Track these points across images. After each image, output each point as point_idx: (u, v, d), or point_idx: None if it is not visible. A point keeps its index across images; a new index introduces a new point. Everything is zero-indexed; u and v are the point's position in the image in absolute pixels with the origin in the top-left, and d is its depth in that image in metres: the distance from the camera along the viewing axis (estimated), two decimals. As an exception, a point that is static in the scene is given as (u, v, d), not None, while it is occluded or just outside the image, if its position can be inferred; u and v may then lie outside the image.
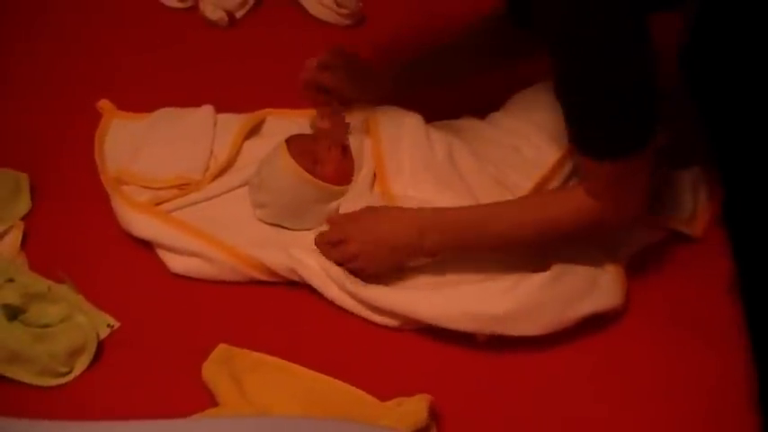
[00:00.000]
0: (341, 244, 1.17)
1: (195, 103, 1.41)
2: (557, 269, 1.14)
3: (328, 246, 1.18)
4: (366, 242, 1.16)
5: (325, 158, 1.24)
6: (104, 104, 1.40)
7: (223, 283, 1.21)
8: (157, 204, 1.26)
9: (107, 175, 1.31)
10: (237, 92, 1.43)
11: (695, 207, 1.23)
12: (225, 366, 1.09)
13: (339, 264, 1.17)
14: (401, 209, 1.19)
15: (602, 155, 1.06)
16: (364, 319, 1.16)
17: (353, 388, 1.08)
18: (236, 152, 1.32)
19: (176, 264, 1.21)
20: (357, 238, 1.16)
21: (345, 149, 1.25)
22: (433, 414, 1.05)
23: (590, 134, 1.07)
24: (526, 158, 1.23)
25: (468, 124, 1.30)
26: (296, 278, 1.18)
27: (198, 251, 1.20)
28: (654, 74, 1.04)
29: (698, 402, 1.09)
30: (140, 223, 1.23)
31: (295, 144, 1.25)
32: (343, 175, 1.24)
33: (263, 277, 1.19)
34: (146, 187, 1.28)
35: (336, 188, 1.24)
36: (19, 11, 1.58)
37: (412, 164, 1.23)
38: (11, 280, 1.15)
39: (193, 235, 1.21)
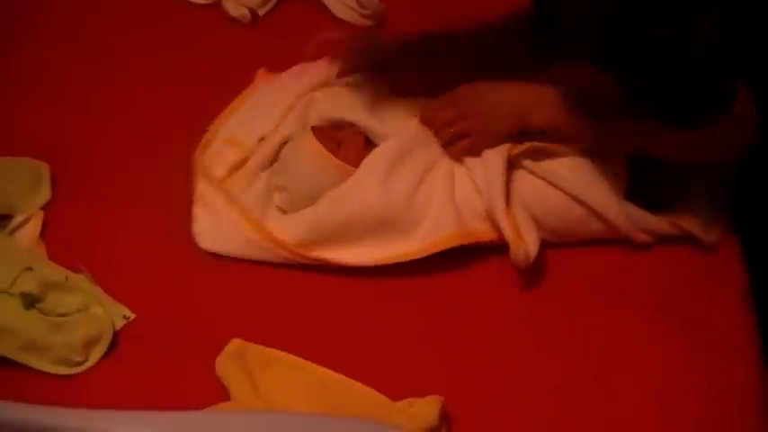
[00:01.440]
0: (453, 104, 1.20)
1: (215, 99, 1.42)
2: None
3: (441, 124, 1.21)
4: (478, 100, 1.20)
5: (349, 143, 1.25)
6: (261, 73, 1.42)
7: (238, 277, 1.21)
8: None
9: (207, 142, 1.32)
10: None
11: (712, 215, 1.23)
12: (238, 361, 1.10)
13: (447, 123, 1.21)
14: (512, 81, 1.21)
15: (695, 125, 1.07)
16: (379, 318, 1.17)
17: (365, 387, 1.08)
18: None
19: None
20: (467, 96, 1.20)
21: (368, 140, 1.26)
22: (445, 416, 1.05)
23: (677, 113, 1.08)
24: None
25: None
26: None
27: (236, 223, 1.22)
28: (715, 41, 1.05)
29: (708, 411, 1.08)
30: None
31: (320, 129, 1.26)
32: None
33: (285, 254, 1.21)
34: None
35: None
36: (43, 6, 1.59)
37: None
38: (29, 269, 1.16)
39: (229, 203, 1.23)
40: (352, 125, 1.28)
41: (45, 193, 1.29)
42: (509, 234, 1.17)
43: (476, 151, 1.22)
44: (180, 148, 1.36)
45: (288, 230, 1.21)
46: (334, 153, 1.24)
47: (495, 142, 1.21)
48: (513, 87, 1.22)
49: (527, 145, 1.22)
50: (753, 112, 1.09)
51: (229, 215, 1.23)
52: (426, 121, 1.25)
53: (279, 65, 1.47)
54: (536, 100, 1.19)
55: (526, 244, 1.17)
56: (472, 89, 1.24)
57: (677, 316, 1.17)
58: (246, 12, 1.56)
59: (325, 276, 1.21)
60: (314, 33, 1.50)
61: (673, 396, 1.10)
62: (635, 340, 1.15)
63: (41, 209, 1.27)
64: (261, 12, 1.58)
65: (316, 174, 1.23)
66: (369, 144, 1.26)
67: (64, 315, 1.14)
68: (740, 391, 1.10)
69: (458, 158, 1.23)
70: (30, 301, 1.13)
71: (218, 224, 1.23)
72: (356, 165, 1.23)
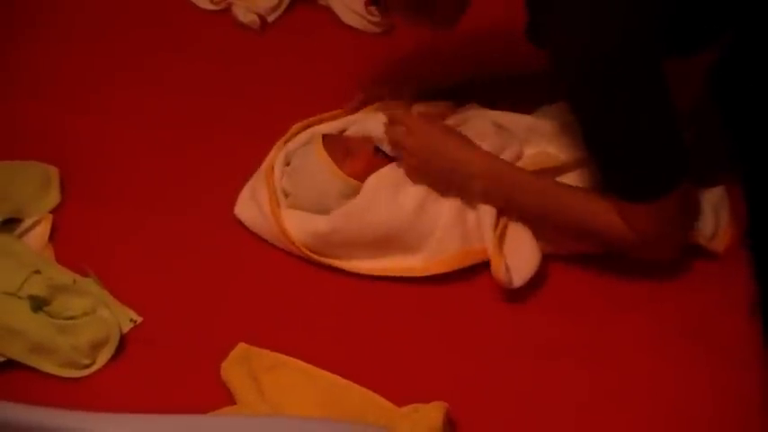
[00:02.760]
0: (409, 134, 1.20)
1: (224, 104, 1.42)
2: None
3: (396, 124, 1.21)
4: (425, 147, 1.19)
5: (357, 154, 1.26)
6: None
7: (245, 282, 1.22)
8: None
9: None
10: (266, 94, 1.45)
11: (718, 224, 1.22)
12: (244, 366, 1.10)
13: (396, 145, 1.21)
14: (472, 143, 1.21)
15: (633, 198, 1.10)
16: (384, 324, 1.17)
17: (370, 392, 1.09)
18: None
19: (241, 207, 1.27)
20: (422, 140, 1.20)
21: (376, 150, 1.27)
22: (449, 422, 1.06)
23: (620, 179, 1.10)
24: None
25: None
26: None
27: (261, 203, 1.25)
28: (674, 117, 1.06)
29: (712, 418, 1.08)
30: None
31: (330, 139, 1.27)
32: (372, 173, 1.25)
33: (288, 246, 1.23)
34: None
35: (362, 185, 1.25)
36: (53, 9, 1.60)
37: None
38: (37, 272, 1.17)
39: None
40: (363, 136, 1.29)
41: (54, 197, 1.30)
42: (490, 250, 1.17)
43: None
44: (189, 152, 1.37)
45: (298, 232, 1.23)
46: (342, 163, 1.25)
47: (417, 180, 1.22)
48: (462, 152, 1.20)
49: (528, 159, 1.23)
50: (675, 228, 1.13)
51: (263, 195, 1.26)
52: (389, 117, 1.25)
53: (287, 71, 1.48)
54: (480, 171, 1.19)
55: (506, 261, 1.17)
56: (426, 138, 1.21)
57: (682, 324, 1.17)
58: (256, 18, 1.57)
59: (331, 282, 1.22)
60: (322, 41, 1.51)
61: (677, 404, 1.10)
62: (640, 348, 1.15)
63: (50, 212, 1.28)
64: (270, 18, 1.59)
65: (321, 183, 1.24)
66: (378, 153, 1.27)
67: (71, 318, 1.14)
68: (744, 399, 1.09)
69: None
70: (38, 304, 1.14)
71: (253, 197, 1.27)
72: (363, 177, 1.24)
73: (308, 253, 1.22)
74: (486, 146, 1.22)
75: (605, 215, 1.13)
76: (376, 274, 1.21)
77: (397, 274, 1.21)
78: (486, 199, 1.19)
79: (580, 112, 1.09)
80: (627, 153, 1.08)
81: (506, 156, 1.23)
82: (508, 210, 1.20)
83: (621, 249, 1.17)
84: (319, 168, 1.25)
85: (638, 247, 1.14)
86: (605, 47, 1.02)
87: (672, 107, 1.07)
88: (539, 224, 1.20)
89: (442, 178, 1.21)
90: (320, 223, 1.22)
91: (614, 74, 1.02)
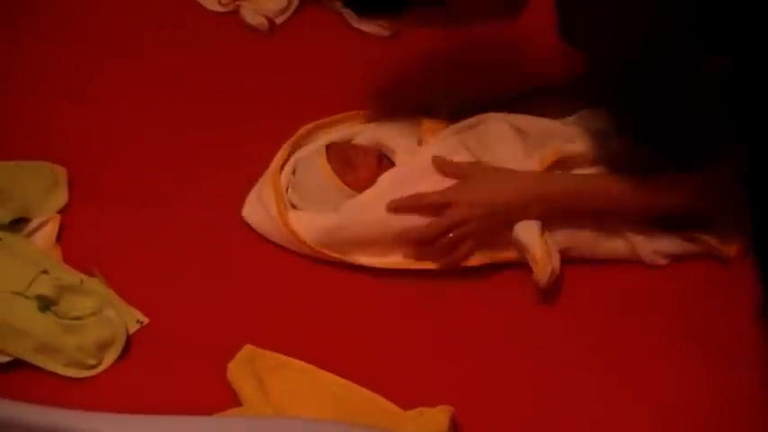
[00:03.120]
0: (446, 208, 1.14)
1: (230, 106, 1.43)
2: None
3: (430, 210, 1.15)
4: (474, 204, 1.13)
5: (361, 167, 1.25)
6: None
7: (251, 284, 1.22)
8: None
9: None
10: (273, 97, 1.45)
11: (731, 228, 1.22)
12: (250, 367, 1.11)
13: (445, 231, 1.14)
14: (506, 172, 1.18)
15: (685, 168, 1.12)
16: (390, 326, 1.17)
17: (375, 395, 1.09)
18: None
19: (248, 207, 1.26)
20: (463, 200, 1.14)
21: (380, 159, 1.27)
22: (454, 426, 1.06)
23: (674, 152, 1.12)
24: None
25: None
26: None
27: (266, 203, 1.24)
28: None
29: (715, 422, 1.08)
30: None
31: (334, 149, 1.27)
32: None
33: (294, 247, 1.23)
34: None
35: None
36: (63, 9, 1.60)
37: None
38: (45, 272, 1.17)
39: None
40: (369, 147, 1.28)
41: (62, 197, 1.30)
42: (541, 255, 1.15)
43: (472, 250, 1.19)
44: (196, 153, 1.37)
45: (307, 232, 1.22)
46: (345, 175, 1.24)
47: (491, 236, 1.19)
48: (509, 189, 1.18)
49: (549, 160, 1.23)
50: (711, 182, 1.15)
51: (269, 197, 1.25)
52: (416, 207, 1.19)
53: (295, 73, 1.48)
54: (534, 197, 1.17)
55: (553, 264, 1.17)
56: (470, 186, 1.18)
57: (689, 331, 1.17)
58: (264, 20, 1.57)
59: (337, 284, 1.22)
60: (331, 43, 1.51)
61: (681, 408, 1.10)
62: (646, 354, 1.15)
63: (58, 212, 1.28)
64: (278, 20, 1.59)
65: (323, 194, 1.24)
66: (380, 164, 1.26)
67: (78, 318, 1.14)
68: (748, 403, 1.09)
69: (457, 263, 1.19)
70: (45, 304, 1.14)
71: (260, 199, 1.27)
72: (364, 189, 1.23)
73: (320, 250, 1.22)
74: (507, 149, 1.21)
75: (665, 194, 1.15)
76: (390, 267, 1.21)
77: (412, 268, 1.20)
78: (545, 218, 1.17)
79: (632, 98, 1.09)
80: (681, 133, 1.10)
81: (535, 161, 1.22)
82: (567, 219, 1.19)
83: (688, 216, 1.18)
84: (322, 182, 1.24)
85: (703, 210, 1.16)
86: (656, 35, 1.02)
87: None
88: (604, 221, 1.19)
89: (499, 222, 1.17)
90: (328, 219, 1.22)
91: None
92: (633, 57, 1.04)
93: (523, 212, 1.16)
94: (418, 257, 1.21)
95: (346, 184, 1.24)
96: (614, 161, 1.21)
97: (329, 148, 1.27)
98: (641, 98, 1.10)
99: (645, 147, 1.16)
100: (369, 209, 1.21)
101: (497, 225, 1.18)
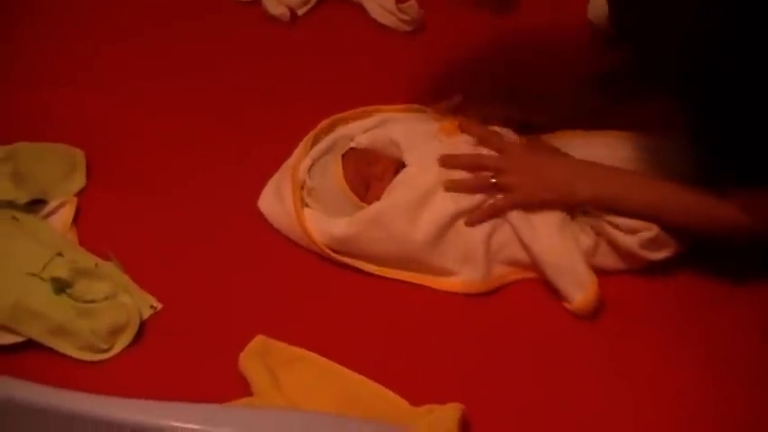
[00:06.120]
0: (500, 174, 1.15)
1: (250, 95, 1.43)
2: None
3: (482, 171, 1.16)
4: (526, 173, 1.15)
5: (378, 181, 1.23)
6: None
7: (266, 274, 1.22)
8: None
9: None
10: (293, 88, 1.45)
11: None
12: (261, 358, 1.11)
13: (489, 189, 1.16)
14: (562, 152, 1.19)
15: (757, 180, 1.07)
16: (404, 323, 1.17)
17: (386, 390, 1.09)
18: None
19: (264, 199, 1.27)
20: (516, 170, 1.15)
21: (398, 171, 1.23)
22: (464, 424, 1.06)
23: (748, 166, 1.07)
24: None
25: None
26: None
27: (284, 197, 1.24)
28: None
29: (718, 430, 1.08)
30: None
31: (352, 160, 1.25)
32: None
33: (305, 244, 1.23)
34: None
35: None
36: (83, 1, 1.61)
37: None
38: (60, 254, 1.17)
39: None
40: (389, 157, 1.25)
41: (80, 180, 1.30)
42: (589, 282, 1.16)
43: (507, 210, 1.18)
44: (215, 143, 1.37)
45: (319, 234, 1.22)
46: (359, 189, 1.23)
47: (531, 207, 1.17)
48: (562, 159, 1.20)
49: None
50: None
51: (287, 191, 1.24)
52: (468, 164, 1.20)
53: (316, 65, 1.48)
54: (583, 172, 1.17)
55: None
56: (524, 148, 1.21)
57: (693, 338, 1.16)
58: (286, 11, 1.57)
59: (350, 278, 1.22)
60: (352, 36, 1.51)
61: (686, 418, 1.09)
62: (654, 362, 1.14)
63: (75, 195, 1.29)
64: (300, 11, 1.59)
65: (335, 203, 1.23)
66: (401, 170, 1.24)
67: (92, 302, 1.15)
68: (754, 415, 1.09)
69: (494, 214, 1.18)
70: (60, 287, 1.14)
71: (277, 192, 1.26)
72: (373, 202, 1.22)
73: (330, 253, 1.22)
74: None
75: (725, 208, 1.11)
76: (402, 279, 1.21)
77: (420, 283, 1.21)
78: (596, 202, 1.16)
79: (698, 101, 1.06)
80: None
81: None
82: (617, 210, 1.17)
83: (738, 238, 1.14)
84: (336, 192, 1.23)
85: (760, 233, 1.11)
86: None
87: None
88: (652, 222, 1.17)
89: (548, 195, 1.17)
90: (339, 229, 1.21)
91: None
92: (694, 54, 1.00)
93: (576, 188, 1.15)
94: (434, 273, 1.21)
95: (360, 199, 1.23)
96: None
97: (346, 157, 1.25)
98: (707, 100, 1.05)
99: (716, 154, 1.10)
100: (379, 225, 1.19)
101: (541, 197, 1.17)
